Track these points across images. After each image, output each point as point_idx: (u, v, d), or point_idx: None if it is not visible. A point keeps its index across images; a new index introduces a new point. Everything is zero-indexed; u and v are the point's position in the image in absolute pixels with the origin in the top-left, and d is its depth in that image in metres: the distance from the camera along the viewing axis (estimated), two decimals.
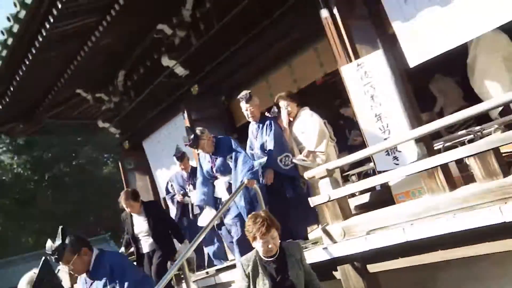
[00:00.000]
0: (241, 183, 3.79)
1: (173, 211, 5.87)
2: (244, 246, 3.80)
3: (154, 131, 7.42)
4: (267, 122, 4.23)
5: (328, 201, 3.35)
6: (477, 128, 3.98)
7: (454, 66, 5.81)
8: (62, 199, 21.83)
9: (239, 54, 5.84)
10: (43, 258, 3.04)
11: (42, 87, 6.88)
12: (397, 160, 3.92)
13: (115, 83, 7.65)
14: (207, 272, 4.80)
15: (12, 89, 6.29)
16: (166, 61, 6.44)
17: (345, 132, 6.25)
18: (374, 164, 4.13)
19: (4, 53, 5.61)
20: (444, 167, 2.81)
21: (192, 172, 5.48)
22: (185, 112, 6.36)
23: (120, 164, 8.09)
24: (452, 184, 2.85)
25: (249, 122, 4.96)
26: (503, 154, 3.07)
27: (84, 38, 5.80)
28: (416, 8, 4.27)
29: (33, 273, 3.46)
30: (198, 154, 4.55)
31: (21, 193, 21.29)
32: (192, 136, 4.10)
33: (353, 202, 4.77)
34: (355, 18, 4.50)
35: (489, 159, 2.52)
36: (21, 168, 21.35)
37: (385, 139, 3.97)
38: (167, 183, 6.07)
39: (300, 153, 4.17)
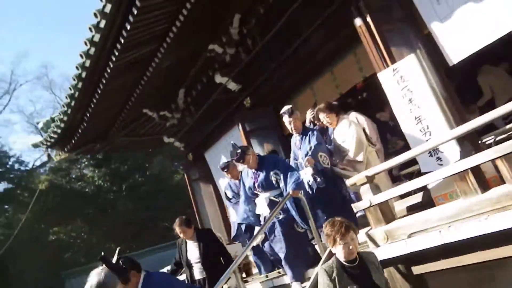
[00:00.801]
0: (286, 194, 4.03)
1: (233, 217, 6.28)
2: (293, 262, 4.03)
3: (214, 143, 7.93)
4: (309, 132, 4.49)
5: (370, 206, 3.54)
6: None
7: (502, 54, 5.66)
8: (139, 206, 23.51)
9: (284, 65, 6.18)
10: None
11: (114, 110, 7.69)
12: (441, 160, 4.01)
13: (177, 101, 8.30)
14: (266, 276, 4.84)
15: (88, 115, 7.10)
16: (219, 78, 6.93)
17: (386, 136, 6.25)
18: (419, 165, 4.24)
19: (80, 85, 6.40)
20: (475, 169, 2.88)
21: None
22: (240, 124, 6.76)
23: (185, 175, 8.70)
24: (485, 185, 2.91)
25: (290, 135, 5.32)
26: None
27: (147, 63, 6.45)
28: (450, 7, 4.30)
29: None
30: (241, 172, 4.73)
31: (102, 203, 23.20)
32: (239, 151, 4.32)
33: (405, 203, 4.85)
34: (388, 24, 4.62)
35: None
36: (101, 180, 23.27)
37: (427, 140, 4.06)
38: (224, 192, 6.49)
39: (343, 161, 4.36)
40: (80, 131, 7.65)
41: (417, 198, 5.01)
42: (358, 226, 3.94)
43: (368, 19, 4.55)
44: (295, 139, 4.67)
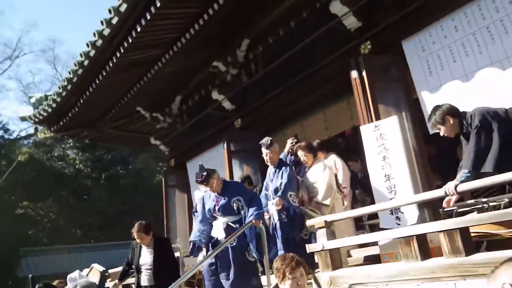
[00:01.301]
0: (248, 221, 4.15)
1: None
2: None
3: (198, 154, 8.08)
4: (283, 167, 4.66)
5: (321, 250, 3.70)
6: (484, 200, 4.08)
7: None
8: (114, 199, 23.36)
9: (280, 97, 6.40)
10: None
11: (108, 102, 7.83)
12: (399, 220, 4.18)
13: (171, 106, 8.47)
14: None
15: (81, 101, 7.23)
16: (216, 95, 7.14)
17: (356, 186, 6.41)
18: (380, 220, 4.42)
19: (80, 71, 6.55)
20: (420, 237, 3.06)
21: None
22: (225, 143, 6.93)
23: (163, 179, 8.81)
24: (426, 254, 3.08)
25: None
26: (474, 234, 3.28)
27: (149, 66, 6.63)
28: (440, 80, 4.58)
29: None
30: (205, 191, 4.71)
31: (78, 188, 23.01)
32: (204, 173, 4.33)
33: (364, 253, 5.00)
34: (382, 81, 4.88)
35: (455, 237, 2.78)
36: (82, 165, 23.13)
37: (391, 199, 4.26)
38: (196, 204, 6.55)
39: (310, 202, 4.53)
40: (70, 115, 7.75)
41: (376, 250, 5.19)
42: (314, 267, 4.07)
43: (364, 74, 4.79)
44: (270, 170, 4.83)
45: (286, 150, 5.16)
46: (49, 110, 7.70)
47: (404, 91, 4.89)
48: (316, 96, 6.04)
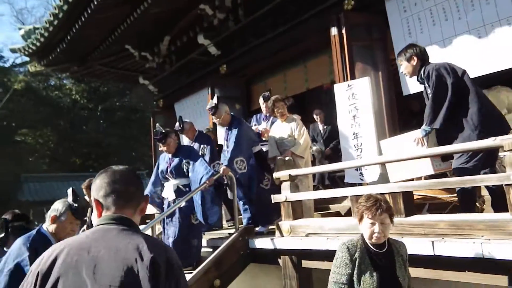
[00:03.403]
0: (202, 183, 4.15)
1: None
2: (178, 249, 4.04)
3: (185, 96, 8.18)
4: (234, 124, 4.65)
5: (284, 201, 3.98)
6: None
7: None
8: (110, 130, 23.72)
9: (264, 46, 6.38)
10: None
11: (96, 39, 7.76)
12: (362, 176, 4.44)
13: (160, 46, 8.41)
14: None
15: (69, 37, 7.20)
16: (201, 39, 7.10)
17: None
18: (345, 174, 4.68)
19: (65, 7, 6.47)
20: None
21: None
22: (210, 88, 7.02)
23: (151, 119, 8.95)
24: None
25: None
26: (419, 197, 3.54)
27: (135, 5, 6.53)
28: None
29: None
30: (165, 151, 4.56)
31: (75, 118, 23.27)
32: (163, 131, 4.38)
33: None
34: (361, 40, 4.89)
35: (398, 199, 3.03)
36: (78, 95, 23.17)
37: (358, 156, 4.48)
38: None
39: (281, 154, 4.72)
40: (59, 50, 7.75)
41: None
42: (273, 222, 4.34)
43: (343, 31, 4.80)
44: (223, 130, 4.98)
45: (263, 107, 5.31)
46: (38, 44, 7.68)
47: (382, 51, 4.93)
48: (298, 49, 6.04)
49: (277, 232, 4.08)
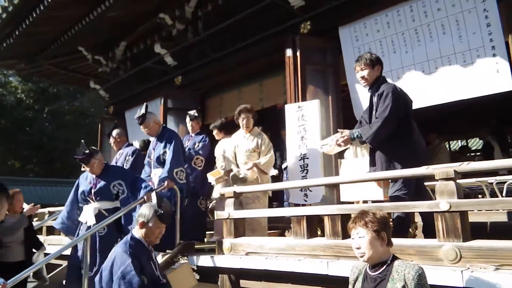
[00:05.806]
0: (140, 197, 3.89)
1: None
2: None
3: (136, 105, 7.82)
4: (167, 135, 4.49)
5: (227, 218, 3.93)
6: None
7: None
8: (57, 135, 22.60)
9: (221, 61, 6.40)
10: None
11: (47, 37, 7.46)
12: (307, 197, 4.49)
13: (115, 51, 8.22)
14: None
15: (17, 33, 6.86)
16: (158, 48, 7.02)
17: None
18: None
19: (15, 1, 6.18)
20: (309, 217, 3.35)
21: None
22: (163, 98, 6.91)
23: (100, 126, 8.61)
24: (313, 233, 3.39)
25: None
26: None
27: (92, 7, 6.35)
28: None
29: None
30: (83, 171, 4.28)
31: (19, 119, 22.03)
32: (86, 151, 3.95)
33: None
34: (315, 64, 5.03)
35: (336, 221, 3.09)
36: (24, 95, 22.08)
37: (303, 177, 4.53)
38: None
39: (238, 167, 4.64)
40: (5, 45, 7.35)
41: None
42: (203, 240, 4.27)
43: (298, 53, 4.91)
44: (152, 139, 4.71)
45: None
46: None
47: (334, 75, 5.08)
48: (254, 67, 6.11)
49: (217, 250, 4.02)
